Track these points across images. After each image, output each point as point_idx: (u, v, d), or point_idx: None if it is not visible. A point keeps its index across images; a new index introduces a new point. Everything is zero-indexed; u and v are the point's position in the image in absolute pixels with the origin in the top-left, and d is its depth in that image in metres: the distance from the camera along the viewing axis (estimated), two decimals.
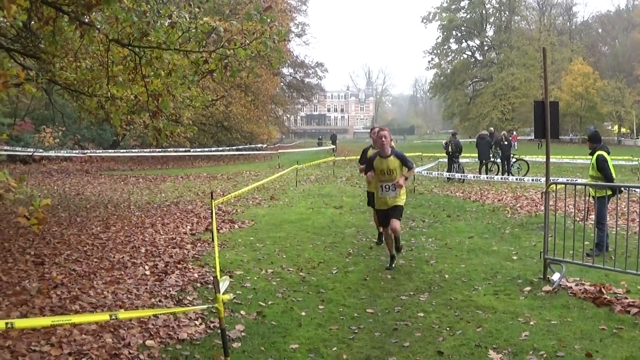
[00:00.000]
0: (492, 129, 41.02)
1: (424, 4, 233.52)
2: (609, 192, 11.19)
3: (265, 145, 57.60)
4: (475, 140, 31.20)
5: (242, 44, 9.06)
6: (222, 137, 51.14)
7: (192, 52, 9.42)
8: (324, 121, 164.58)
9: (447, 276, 9.93)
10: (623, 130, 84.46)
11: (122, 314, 5.58)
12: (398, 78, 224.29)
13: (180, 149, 42.14)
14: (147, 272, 9.96)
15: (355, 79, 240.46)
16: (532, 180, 21.66)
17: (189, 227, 14.83)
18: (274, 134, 71.17)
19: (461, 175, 25.41)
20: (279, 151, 49.66)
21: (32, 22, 12.30)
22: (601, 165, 11.29)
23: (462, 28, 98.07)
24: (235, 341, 6.82)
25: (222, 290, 5.74)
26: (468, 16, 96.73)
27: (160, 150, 40.61)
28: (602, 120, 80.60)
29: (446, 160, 28.48)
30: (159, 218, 16.16)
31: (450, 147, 27.26)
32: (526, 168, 28.70)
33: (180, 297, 8.58)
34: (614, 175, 11.30)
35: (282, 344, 6.82)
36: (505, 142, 28.40)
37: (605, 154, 11.34)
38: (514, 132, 63.69)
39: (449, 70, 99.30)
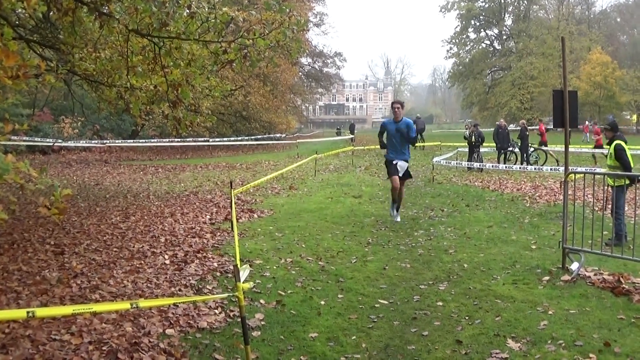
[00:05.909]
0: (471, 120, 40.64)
1: None
2: (627, 182, 11.16)
3: (284, 135, 57.69)
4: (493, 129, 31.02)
5: (261, 34, 9.07)
6: (241, 126, 51.22)
7: (211, 42, 9.44)
8: (343, 111, 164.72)
9: (466, 265, 9.92)
10: None
11: (143, 303, 5.63)
12: (417, 67, 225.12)
13: (200, 139, 42.39)
14: (167, 262, 10.01)
15: (373, 68, 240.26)
16: (551, 169, 21.52)
17: (208, 216, 14.87)
18: (292, 123, 71.29)
19: (480, 165, 25.37)
20: (298, 141, 49.47)
21: (52, 13, 12.35)
22: (619, 154, 11.24)
23: (481, 17, 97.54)
24: (255, 330, 6.85)
25: (242, 279, 5.77)
26: (486, 5, 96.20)
27: (179, 140, 40.81)
28: (621, 110, 79.57)
29: (465, 149, 28.44)
30: (179, 208, 16.21)
31: (473, 136, 27.16)
32: (544, 158, 28.56)
33: (200, 286, 8.62)
34: (632, 164, 11.24)
35: (301, 333, 6.85)
36: (527, 132, 28.32)
37: (623, 143, 11.29)
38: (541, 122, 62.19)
39: (467, 60, 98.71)
